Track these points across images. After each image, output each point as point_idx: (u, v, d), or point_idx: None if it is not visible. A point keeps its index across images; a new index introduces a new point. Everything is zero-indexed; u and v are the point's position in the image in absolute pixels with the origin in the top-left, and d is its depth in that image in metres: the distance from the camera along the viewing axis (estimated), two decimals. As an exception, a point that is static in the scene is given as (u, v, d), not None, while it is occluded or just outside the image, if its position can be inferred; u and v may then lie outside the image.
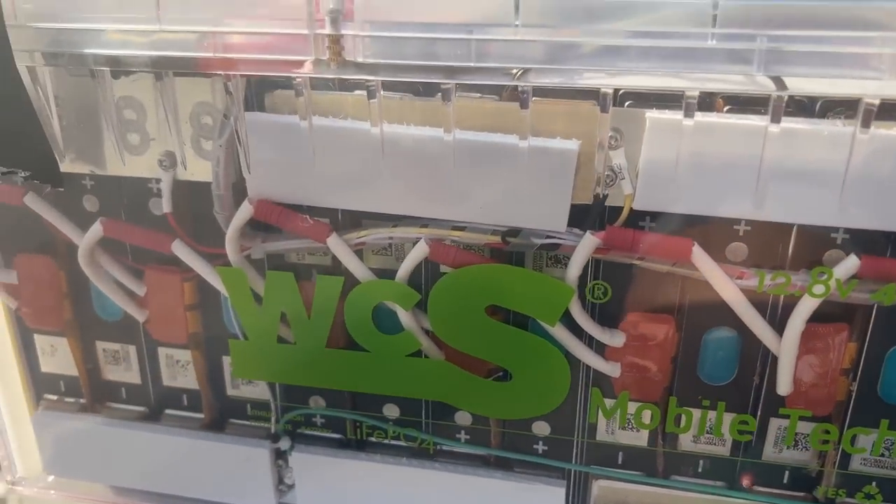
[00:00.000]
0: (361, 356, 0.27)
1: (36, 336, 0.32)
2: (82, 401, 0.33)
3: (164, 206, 0.27)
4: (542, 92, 0.22)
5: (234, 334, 0.29)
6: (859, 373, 0.25)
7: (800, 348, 0.24)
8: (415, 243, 0.25)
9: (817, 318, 0.24)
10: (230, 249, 0.26)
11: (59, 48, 0.24)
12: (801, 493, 0.27)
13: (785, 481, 0.27)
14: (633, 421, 0.27)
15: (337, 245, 0.26)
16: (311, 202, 0.26)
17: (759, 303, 0.24)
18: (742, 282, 0.24)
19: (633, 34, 0.20)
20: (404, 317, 0.26)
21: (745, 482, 0.27)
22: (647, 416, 0.27)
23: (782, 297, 0.24)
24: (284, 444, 0.30)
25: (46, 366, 0.32)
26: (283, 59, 0.22)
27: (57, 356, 0.32)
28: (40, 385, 0.33)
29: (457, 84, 0.22)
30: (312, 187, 0.25)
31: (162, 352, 0.31)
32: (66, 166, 0.27)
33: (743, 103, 0.22)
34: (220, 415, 0.31)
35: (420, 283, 0.27)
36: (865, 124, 0.20)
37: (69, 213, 0.28)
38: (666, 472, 0.28)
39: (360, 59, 0.22)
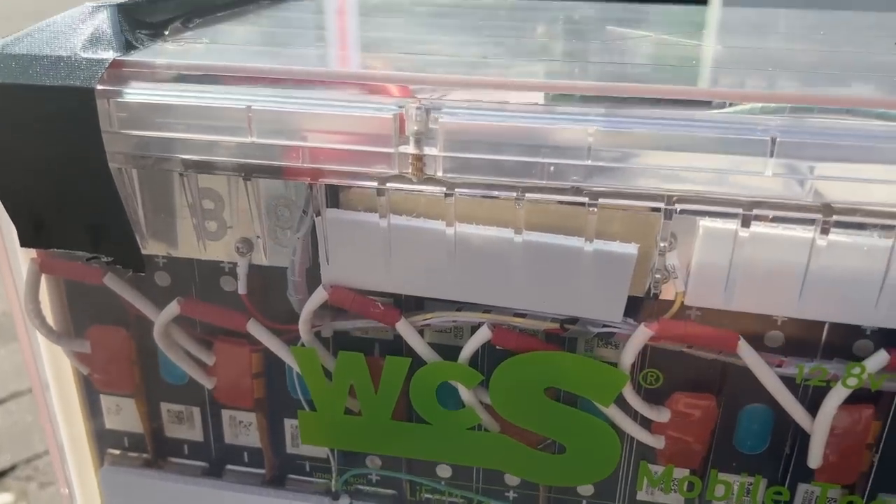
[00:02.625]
0: (424, 428, 0.29)
1: (102, 396, 0.34)
2: (146, 455, 0.34)
3: (240, 288, 0.29)
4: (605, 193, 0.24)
5: (296, 399, 0.31)
6: (881, 447, 0.27)
7: (832, 426, 0.26)
8: (476, 327, 0.27)
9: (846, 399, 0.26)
10: (303, 330, 0.28)
11: (150, 151, 0.26)
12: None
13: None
14: (677, 489, 0.29)
15: (405, 329, 0.28)
16: (383, 289, 0.27)
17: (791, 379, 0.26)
18: (780, 369, 0.26)
19: (698, 166, 0.22)
20: (466, 394, 0.28)
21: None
22: (689, 485, 0.29)
23: (813, 377, 0.27)
24: (344, 500, 0.32)
25: (111, 423, 0.34)
26: (368, 172, 0.24)
27: (122, 415, 0.34)
28: (104, 440, 0.35)
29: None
30: (386, 277, 0.27)
31: (225, 413, 0.33)
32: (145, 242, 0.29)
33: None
34: (281, 471, 0.33)
35: (478, 358, 0.29)
36: (900, 241, 0.23)
37: (142, 288, 0.30)
38: (700, 529, 0.30)
39: (439, 175, 0.24)
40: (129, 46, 0.27)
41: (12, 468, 0.99)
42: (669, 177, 0.23)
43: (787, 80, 0.26)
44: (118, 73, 0.25)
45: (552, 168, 0.23)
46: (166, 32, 0.30)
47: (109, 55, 0.26)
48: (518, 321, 0.27)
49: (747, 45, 0.31)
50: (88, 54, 0.26)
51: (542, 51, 0.31)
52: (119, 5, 0.28)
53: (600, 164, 0.23)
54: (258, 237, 0.28)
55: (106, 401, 0.34)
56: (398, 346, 0.29)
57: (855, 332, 0.26)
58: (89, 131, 0.25)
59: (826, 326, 0.26)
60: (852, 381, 0.25)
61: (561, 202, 0.25)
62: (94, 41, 0.26)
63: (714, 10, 0.40)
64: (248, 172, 0.25)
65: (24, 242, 0.28)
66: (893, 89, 0.25)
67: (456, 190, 0.24)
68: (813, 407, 0.26)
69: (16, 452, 0.99)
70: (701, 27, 0.35)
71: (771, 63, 0.28)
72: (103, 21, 0.27)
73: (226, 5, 0.36)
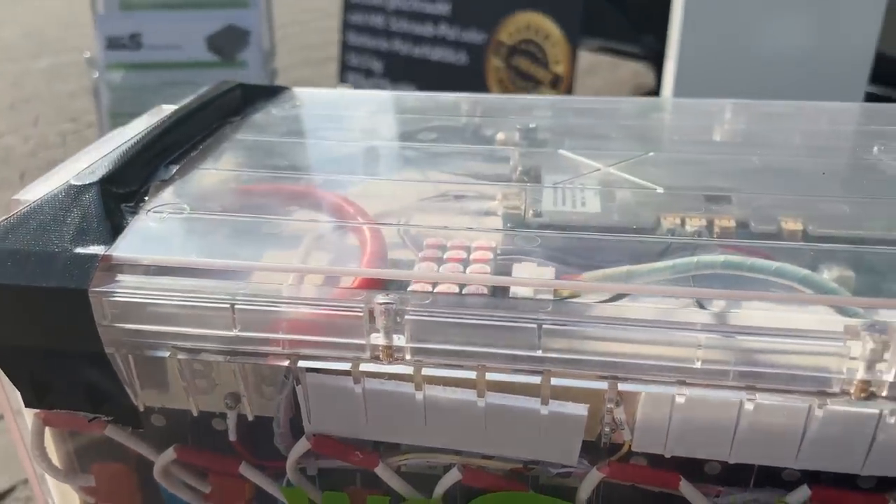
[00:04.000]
0: (406, 553, 0.32)
1: (107, 514, 0.36)
2: (151, 564, 0.37)
3: (231, 436, 0.31)
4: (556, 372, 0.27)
5: (287, 517, 0.34)
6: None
7: (764, 543, 0.30)
8: (448, 467, 0.30)
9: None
10: (290, 473, 0.31)
11: (141, 339, 0.28)
12: None
13: None
14: None
15: (384, 472, 0.30)
16: (362, 437, 0.30)
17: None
18: (718, 500, 0.29)
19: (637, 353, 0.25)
20: (441, 524, 0.31)
21: None
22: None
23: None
24: None
25: (117, 536, 0.37)
26: (344, 356, 0.27)
27: (127, 529, 0.37)
28: (111, 550, 0.38)
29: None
30: (364, 429, 0.30)
31: (223, 528, 0.36)
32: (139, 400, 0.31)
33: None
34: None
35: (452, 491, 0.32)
36: (819, 406, 0.26)
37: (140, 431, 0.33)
38: None
39: (407, 358, 0.27)
40: (116, 231, 0.29)
41: (11, 489, 1.01)
42: (613, 363, 0.26)
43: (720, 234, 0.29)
44: (108, 266, 0.28)
45: (507, 355, 0.26)
46: (147, 197, 0.32)
47: (99, 249, 0.28)
48: (485, 462, 0.30)
49: (687, 187, 0.34)
50: (79, 248, 0.28)
51: (496, 190, 0.34)
52: (100, 182, 0.30)
53: (550, 354, 0.25)
54: (243, 395, 0.30)
55: (111, 518, 0.37)
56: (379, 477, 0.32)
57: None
58: (84, 325, 0.27)
59: (758, 459, 0.29)
60: (779, 515, 0.29)
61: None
62: (83, 231, 0.28)
63: (663, 114, 0.43)
64: (233, 356, 0.28)
65: (28, 404, 0.31)
66: (814, 259, 0.28)
67: (424, 370, 0.27)
68: (749, 521, 0.30)
69: (13, 474, 1.01)
70: (648, 144, 0.37)
71: (707, 211, 0.31)
72: (89, 204, 0.29)
73: (196, 133, 0.38)
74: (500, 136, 0.40)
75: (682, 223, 0.32)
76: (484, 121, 0.42)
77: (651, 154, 0.36)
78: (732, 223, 0.31)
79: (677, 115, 0.43)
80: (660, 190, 0.33)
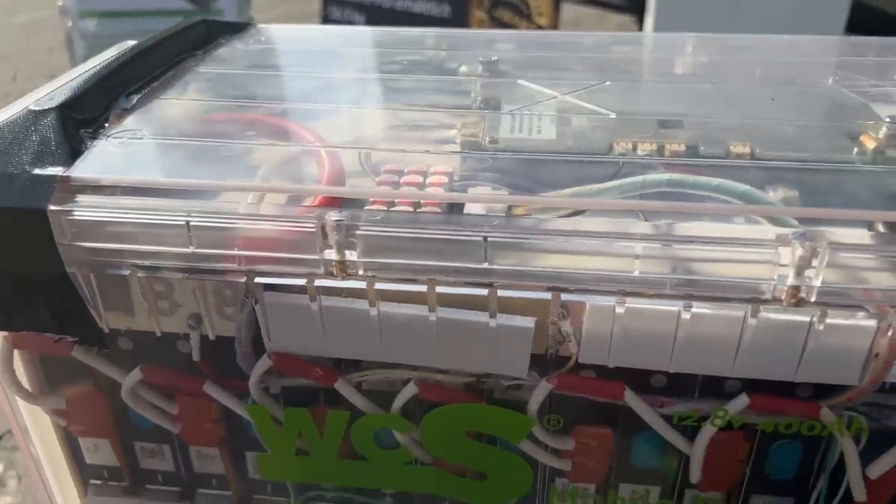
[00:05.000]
0: (366, 464, 0.33)
1: (80, 438, 0.38)
2: (124, 484, 0.39)
3: (195, 356, 0.32)
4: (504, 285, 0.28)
5: (254, 436, 0.35)
6: (751, 461, 0.32)
7: (707, 450, 0.31)
8: (406, 383, 0.32)
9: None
10: (253, 391, 0.32)
11: (101, 258, 0.29)
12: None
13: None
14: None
15: (344, 387, 0.32)
16: (321, 355, 0.31)
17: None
18: (662, 409, 0.31)
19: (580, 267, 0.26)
20: (400, 437, 0.32)
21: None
22: (592, 500, 0.34)
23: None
24: (303, 519, 0.37)
25: (90, 458, 0.38)
26: (299, 272, 0.28)
27: (99, 452, 0.38)
28: (86, 472, 0.39)
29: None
30: (322, 346, 0.31)
31: (193, 448, 0.37)
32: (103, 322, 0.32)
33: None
34: (246, 493, 0.38)
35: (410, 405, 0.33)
36: (753, 314, 0.27)
37: (108, 353, 0.34)
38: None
39: (360, 273, 0.28)
40: (74, 154, 0.29)
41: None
42: (557, 274, 0.27)
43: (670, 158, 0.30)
44: (67, 187, 0.28)
45: (455, 268, 0.27)
46: (107, 124, 0.32)
47: (58, 170, 0.28)
48: (441, 377, 0.31)
49: (640, 112, 0.34)
50: (38, 170, 0.28)
51: (455, 120, 0.34)
52: (59, 108, 0.31)
53: (496, 267, 0.26)
54: (204, 316, 0.31)
55: (84, 442, 0.38)
56: (340, 394, 0.33)
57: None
58: (44, 244, 0.28)
59: (701, 371, 0.31)
60: (718, 422, 0.30)
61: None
62: (42, 153, 0.29)
63: (625, 47, 0.43)
64: (191, 273, 0.29)
65: (-5, 326, 0.31)
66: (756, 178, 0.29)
67: (377, 284, 0.28)
68: (694, 434, 0.31)
69: (0, 423, 1.03)
70: (607, 74, 0.38)
71: (658, 136, 0.32)
72: (47, 128, 0.30)
73: (159, 65, 0.38)
74: (464, 68, 0.40)
75: (634, 147, 0.32)
76: (449, 54, 0.43)
77: (608, 83, 0.37)
78: (682, 147, 0.32)
79: (639, 48, 0.44)
80: (613, 116, 0.33)
